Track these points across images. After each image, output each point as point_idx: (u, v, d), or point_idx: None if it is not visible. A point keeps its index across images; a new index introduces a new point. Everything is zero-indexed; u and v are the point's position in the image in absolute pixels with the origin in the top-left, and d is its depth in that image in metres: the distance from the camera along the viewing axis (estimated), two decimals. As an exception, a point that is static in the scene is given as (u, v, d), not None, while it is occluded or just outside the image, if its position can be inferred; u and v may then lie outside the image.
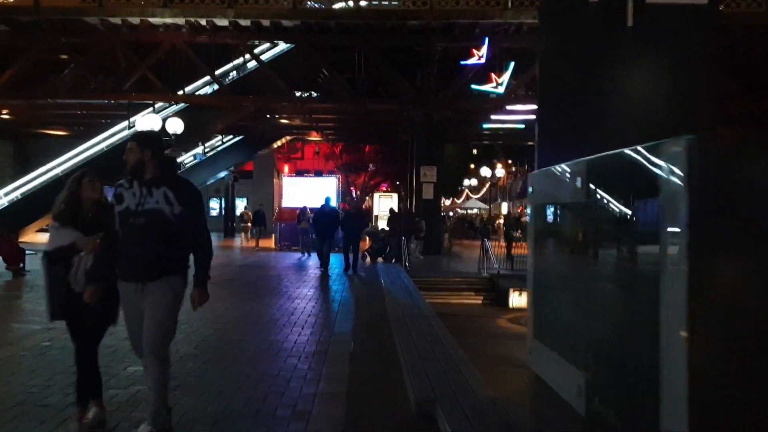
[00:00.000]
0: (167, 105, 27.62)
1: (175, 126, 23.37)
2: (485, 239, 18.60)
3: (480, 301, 16.55)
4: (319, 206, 17.10)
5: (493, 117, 31.88)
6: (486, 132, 38.28)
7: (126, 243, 4.28)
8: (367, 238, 22.70)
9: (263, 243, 25.76)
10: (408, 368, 6.20)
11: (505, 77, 26.53)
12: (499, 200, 57.16)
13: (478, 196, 58.29)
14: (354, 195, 38.85)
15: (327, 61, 26.53)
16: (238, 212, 41.43)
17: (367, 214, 19.23)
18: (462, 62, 25.91)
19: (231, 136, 36.16)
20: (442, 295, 16.34)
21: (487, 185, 53.29)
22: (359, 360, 6.77)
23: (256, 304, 10.47)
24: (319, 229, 16.29)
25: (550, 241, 4.13)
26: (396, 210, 22.58)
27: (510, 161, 58.50)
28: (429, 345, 7.53)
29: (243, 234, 29.24)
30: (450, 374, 6.14)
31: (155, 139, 4.77)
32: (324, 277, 15.09)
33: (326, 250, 16.04)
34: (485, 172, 45.10)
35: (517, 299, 15.68)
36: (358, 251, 16.62)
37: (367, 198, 38.82)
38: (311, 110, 29.46)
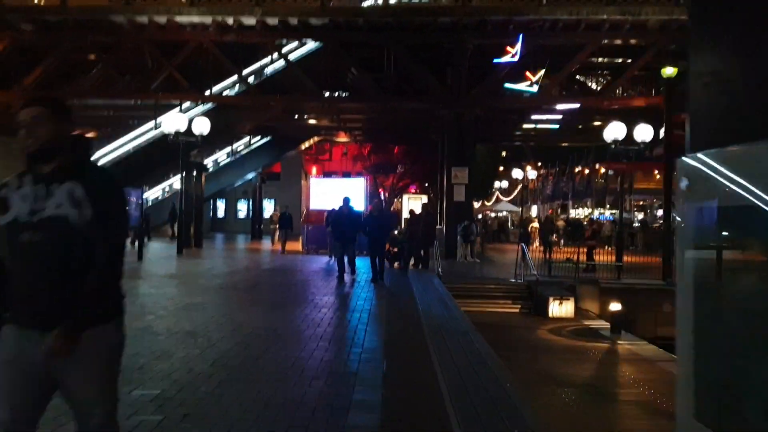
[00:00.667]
0: (194, 105, 27.14)
1: (202, 126, 22.88)
2: (523, 244, 17.70)
3: (517, 310, 15.67)
4: (337, 207, 15.39)
5: (532, 117, 31.02)
6: (518, 133, 37.34)
7: (17, 272, 2.79)
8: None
9: (290, 246, 25.14)
10: (451, 398, 5.41)
11: (540, 76, 25.61)
12: (528, 203, 55.97)
13: (509, 198, 57.18)
14: (382, 196, 38.18)
15: (355, 60, 25.83)
16: (266, 214, 41.05)
17: (393, 216, 17.95)
18: (495, 60, 25.05)
19: (258, 137, 35.71)
20: (477, 303, 15.49)
21: (519, 187, 52.18)
22: (393, 384, 5.99)
23: (280, 313, 9.75)
24: (337, 233, 14.88)
25: (733, 270, 2.08)
26: (418, 211, 21.27)
27: (539, 163, 57.29)
28: (471, 366, 6.72)
29: (271, 237, 28.64)
30: (499, 405, 5.33)
31: (59, 107, 2.98)
32: (348, 285, 13.96)
33: (350, 256, 14.60)
34: (516, 173, 44.02)
35: (557, 308, 14.80)
36: (383, 258, 15.12)
37: (396, 200, 38.01)
38: (339, 110, 28.81)
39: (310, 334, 8.09)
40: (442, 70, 26.05)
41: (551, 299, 14.81)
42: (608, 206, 70.91)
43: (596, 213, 68.38)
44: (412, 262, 18.78)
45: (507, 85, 25.93)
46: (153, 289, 12.55)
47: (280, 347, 7.29)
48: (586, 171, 73.02)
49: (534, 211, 57.31)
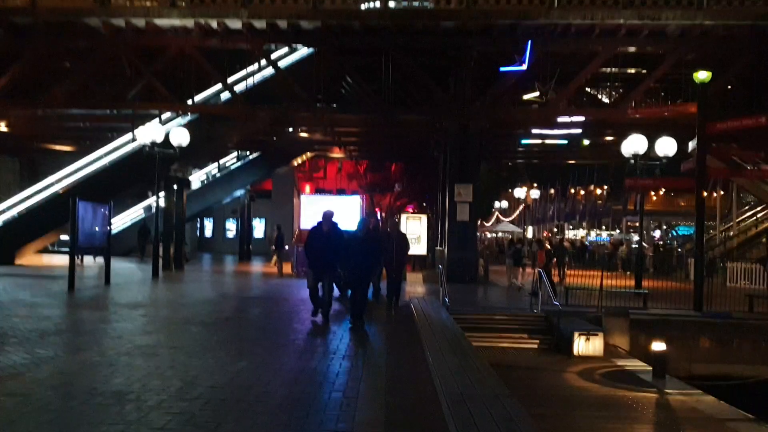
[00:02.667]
0: (175, 116, 25.13)
1: (180, 137, 20.86)
2: (542, 270, 15.61)
3: (535, 346, 13.52)
4: (315, 224, 11.46)
5: (539, 131, 29.13)
6: (521, 149, 35.42)
7: None
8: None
9: (286, 268, 23.08)
10: None
11: (551, 85, 23.73)
12: (531, 223, 54.06)
13: (510, 219, 55.18)
14: (379, 216, 36.13)
15: (351, 68, 23.90)
16: (256, 233, 38.87)
17: (391, 239, 13.63)
18: (501, 68, 23.17)
19: (247, 152, 33.69)
20: (488, 338, 13.38)
21: (521, 207, 50.24)
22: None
23: (248, 363, 7.58)
24: (311, 257, 11.17)
25: None
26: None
27: (534, 184, 55.43)
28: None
29: (272, 258, 26.29)
30: None
31: None
32: (328, 325, 10.82)
33: (326, 287, 11.08)
34: (519, 193, 42.13)
35: (584, 345, 12.65)
36: (366, 290, 11.41)
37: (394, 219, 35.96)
38: (333, 122, 26.78)
39: (281, 399, 5.93)
40: (445, 80, 24.18)
41: (576, 334, 12.67)
42: (604, 227, 69.38)
43: (592, 234, 66.72)
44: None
45: (526, 96, 24.07)
46: (103, 323, 10.41)
47: (237, 423, 5.13)
48: (582, 192, 71.57)
49: (530, 232, 55.31)
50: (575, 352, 12.51)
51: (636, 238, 54.00)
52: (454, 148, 23.36)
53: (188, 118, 25.33)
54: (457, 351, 8.96)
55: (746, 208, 34.88)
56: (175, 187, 24.89)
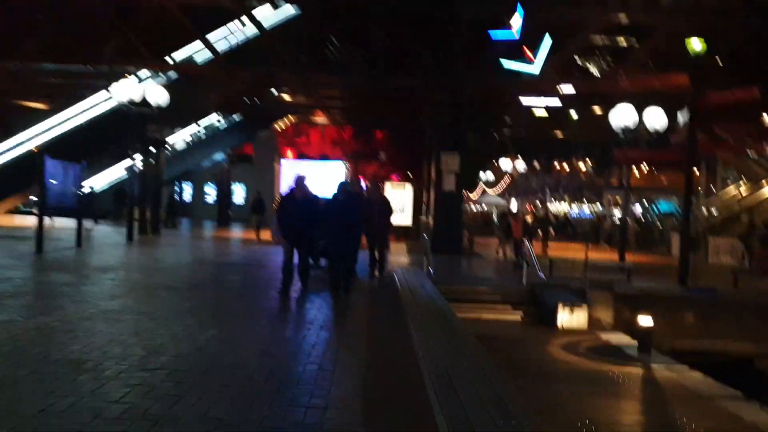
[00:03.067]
0: (154, 74, 24.28)
1: (157, 96, 20.09)
2: (526, 240, 15.30)
3: (519, 318, 13.23)
4: (287, 189, 10.58)
5: (523, 101, 28.55)
6: (510, 120, 34.95)
7: None
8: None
9: (264, 234, 22.53)
10: None
11: (542, 54, 23.14)
12: (518, 196, 53.74)
13: (496, 191, 54.85)
14: (364, 185, 35.49)
15: (337, 31, 23.17)
16: (236, 199, 38.25)
17: (376, 204, 12.53)
18: (492, 34, 22.57)
19: (228, 115, 32.88)
20: (472, 309, 13.03)
21: (507, 179, 49.90)
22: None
23: (219, 330, 7.15)
24: (285, 226, 10.03)
25: None
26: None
27: (520, 156, 55.00)
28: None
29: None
30: None
31: None
32: (306, 293, 10.12)
33: (303, 256, 10.23)
34: (505, 165, 41.73)
35: (568, 318, 12.39)
36: (353, 260, 10.57)
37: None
38: (317, 84, 26.04)
39: (253, 371, 5.52)
40: (434, 47, 23.52)
41: (561, 306, 12.39)
42: (586, 201, 69.36)
43: (574, 208, 66.69)
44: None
45: (506, 63, 23.43)
46: (68, 286, 9.91)
47: (200, 397, 4.71)
48: (566, 166, 71.35)
49: (513, 204, 55.07)
50: (559, 324, 12.24)
51: (617, 212, 54.07)
52: (442, 116, 22.85)
53: (167, 77, 24.50)
54: (442, 323, 8.61)
55: (729, 183, 34.74)
56: (152, 148, 24.14)
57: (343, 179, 10.68)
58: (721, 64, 23.58)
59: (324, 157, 31.35)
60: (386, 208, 13.24)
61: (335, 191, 10.47)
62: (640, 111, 19.85)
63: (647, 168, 59.82)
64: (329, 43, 24.53)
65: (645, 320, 10.64)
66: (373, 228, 12.36)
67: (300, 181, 10.23)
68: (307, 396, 4.82)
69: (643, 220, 38.93)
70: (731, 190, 33.79)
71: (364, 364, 5.99)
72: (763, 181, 30.79)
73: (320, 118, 34.70)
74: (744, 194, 32.22)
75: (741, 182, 33.13)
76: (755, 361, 12.86)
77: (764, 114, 22.76)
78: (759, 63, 22.65)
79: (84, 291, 9.53)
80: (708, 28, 21.35)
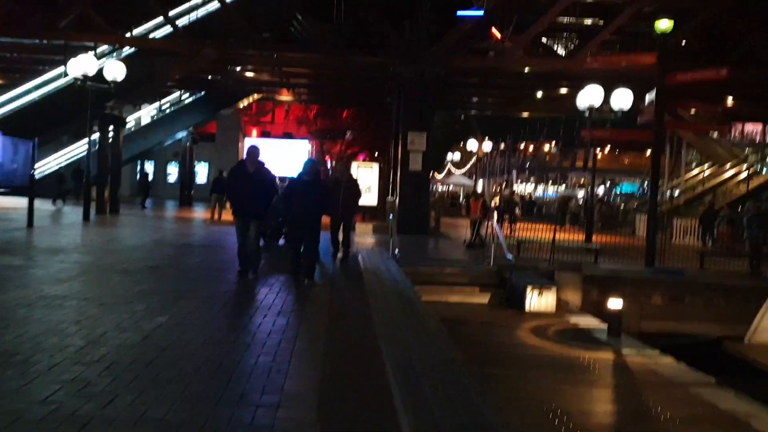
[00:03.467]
0: (111, 49, 23.38)
1: (115, 71, 19.26)
2: (496, 223, 15.01)
3: (487, 301, 12.96)
4: (238, 162, 9.95)
5: (495, 79, 28.24)
6: (476, 100, 34.65)
7: None
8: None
9: (227, 215, 21.93)
10: None
11: (509, 32, 22.84)
12: (487, 177, 53.75)
13: (462, 171, 54.71)
14: (329, 166, 34.97)
15: (302, 6, 22.51)
16: (199, 179, 37.38)
17: (337, 182, 11.77)
18: (458, 12, 22.19)
19: (190, 92, 31.97)
20: (439, 291, 12.74)
21: (474, 159, 49.71)
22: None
23: (169, 317, 6.67)
24: (236, 202, 9.44)
25: None
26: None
27: (486, 137, 54.95)
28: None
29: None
30: None
31: None
32: (258, 278, 9.48)
33: (253, 237, 9.37)
34: (471, 145, 41.48)
35: (536, 300, 12.12)
36: (315, 245, 9.70)
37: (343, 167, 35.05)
38: (282, 61, 25.36)
39: (199, 365, 5.09)
40: (400, 24, 23.02)
41: (529, 289, 12.13)
42: (551, 182, 69.91)
43: (540, 189, 67.16)
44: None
45: (461, 13, 22.76)
46: (11, 269, 9.29)
47: (139, 395, 4.28)
48: (531, 147, 71.64)
49: (480, 185, 55.13)
50: (527, 307, 11.99)
51: (581, 193, 54.50)
52: (409, 94, 22.41)
53: (126, 51, 23.62)
54: (407, 308, 8.26)
55: (693, 165, 35.09)
56: (111, 126, 23.27)
57: (309, 158, 9.87)
58: (686, 44, 23.60)
59: (288, 135, 30.67)
60: (354, 189, 12.84)
61: (301, 170, 9.84)
62: (607, 91, 19.71)
63: (610, 149, 60.37)
64: (293, 19, 23.85)
65: (615, 303, 10.44)
66: (339, 209, 11.87)
67: (252, 151, 9.49)
68: (258, 392, 4.42)
69: (606, 201, 39.08)
70: (694, 171, 34.14)
71: (322, 354, 5.60)
72: (726, 162, 31.13)
73: (285, 97, 33.97)
74: (707, 175, 32.57)
75: (704, 164, 33.48)
76: (723, 343, 12.81)
77: (729, 96, 22.82)
78: (724, 44, 22.70)
79: (29, 274, 8.94)
80: (674, 9, 21.30)
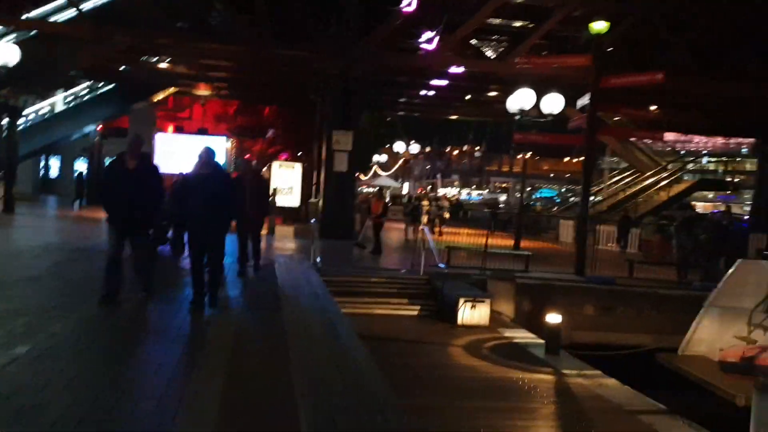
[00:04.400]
0: (6, 31, 21.25)
1: (7, 54, 17.37)
2: (426, 227, 14.17)
3: (416, 313, 12.07)
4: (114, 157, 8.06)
5: (424, 81, 27.54)
6: (405, 101, 33.93)
7: None
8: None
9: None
10: None
11: (439, 32, 22.12)
12: (411, 180, 53.28)
13: (389, 173, 54.00)
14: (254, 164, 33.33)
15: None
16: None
17: (241, 180, 10.05)
18: (391, 7, 21.40)
19: (99, 84, 29.81)
20: (364, 303, 11.78)
21: (401, 162, 49.15)
22: None
23: (32, 347, 5.38)
24: (109, 207, 7.62)
25: None
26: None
27: (413, 141, 54.58)
28: None
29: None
30: None
31: None
32: (149, 298, 7.93)
33: (139, 257, 7.95)
34: (398, 147, 40.90)
35: (469, 313, 11.33)
36: (219, 258, 8.03)
37: (265, 169, 33.47)
38: (199, 53, 23.78)
39: (54, 418, 3.88)
40: (326, 17, 21.96)
41: (462, 301, 11.32)
42: (475, 187, 70.48)
43: (464, 192, 67.56)
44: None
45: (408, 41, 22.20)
46: None
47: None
48: (456, 151, 72.09)
49: (406, 188, 54.81)
50: (460, 320, 11.18)
51: (503, 197, 54.94)
52: (335, 92, 21.41)
53: (23, 35, 21.51)
54: (327, 329, 7.19)
55: (616, 172, 35.60)
56: (4, 116, 21.16)
57: (206, 148, 7.71)
58: (612, 51, 23.57)
59: (203, 131, 28.94)
60: (260, 187, 11.30)
61: (196, 163, 8.01)
62: (538, 95, 19.30)
63: (531, 155, 61.30)
64: (213, 8, 22.39)
65: (553, 318, 9.75)
66: (245, 212, 10.03)
67: (133, 142, 7.81)
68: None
69: (529, 206, 39.30)
70: (617, 177, 34.63)
71: (220, 399, 4.48)
72: (648, 169, 31.61)
73: (203, 91, 32.22)
74: (628, 182, 33.04)
75: (626, 170, 33.98)
76: (656, 354, 12.37)
77: (656, 104, 22.92)
78: (652, 50, 22.76)
79: None
80: (602, 14, 21.17)
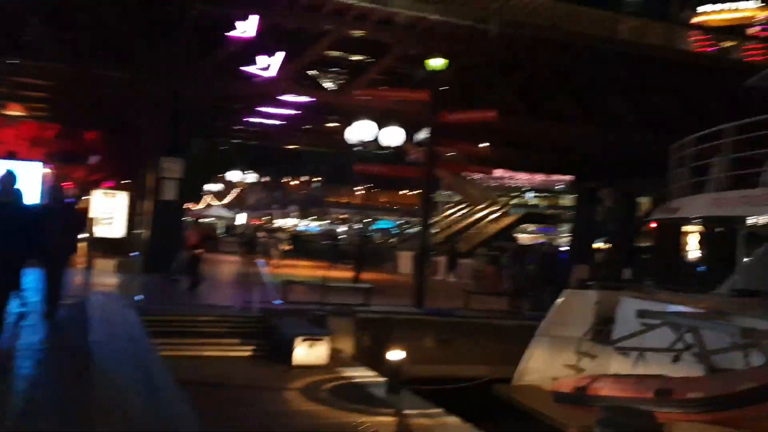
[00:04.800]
0: None
1: None
2: (261, 261, 13.40)
3: (249, 354, 11.21)
4: None
5: (260, 109, 26.80)
6: (240, 128, 32.93)
7: None
8: None
9: None
10: None
11: (278, 59, 21.66)
12: (233, 211, 51.73)
13: (223, 202, 52.16)
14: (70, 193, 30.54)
15: (40, 14, 19.25)
16: None
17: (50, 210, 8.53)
18: (227, 34, 20.67)
19: None
20: (191, 345, 10.78)
21: (236, 191, 47.63)
22: None
23: None
24: None
25: None
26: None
27: (245, 172, 53.37)
28: None
29: None
30: None
31: None
32: None
33: None
34: (236, 176, 39.63)
35: (306, 353, 10.69)
36: (5, 293, 6.75)
37: (84, 198, 30.81)
38: (10, 69, 21.44)
39: None
40: (155, 38, 20.69)
41: (298, 340, 10.67)
42: (315, 217, 70.45)
43: (302, 224, 67.17)
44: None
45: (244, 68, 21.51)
46: None
47: None
48: (295, 181, 71.75)
49: (242, 218, 53.36)
50: (296, 361, 10.50)
51: (342, 228, 55.21)
52: (164, 116, 20.13)
53: None
54: (142, 379, 6.23)
55: (450, 205, 36.89)
56: None
57: (7, 171, 6.40)
58: (450, 88, 24.43)
59: (11, 154, 26.02)
60: (72, 220, 9.70)
61: None
62: (377, 126, 19.37)
63: (369, 188, 62.41)
64: (28, 25, 20.34)
65: (396, 355, 9.40)
66: (55, 245, 8.72)
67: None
68: None
69: (367, 237, 39.62)
70: (450, 210, 35.93)
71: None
72: (480, 203, 33.06)
73: (16, 112, 29.19)
74: (460, 215, 34.41)
75: (459, 204, 35.37)
76: (492, 386, 12.45)
77: (485, 141, 23.94)
78: (483, 91, 23.84)
79: None
80: (439, 53, 21.87)
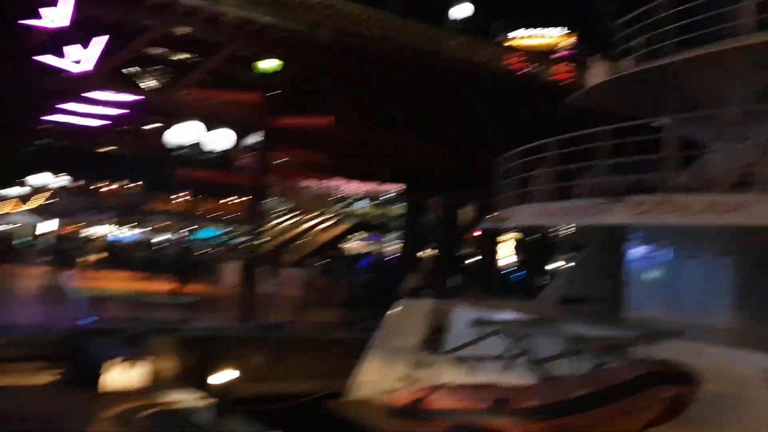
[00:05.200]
0: None
1: None
2: (66, 275, 11.90)
3: (52, 380, 9.80)
4: None
5: (62, 107, 24.30)
6: (46, 128, 29.80)
7: None
8: None
9: None
10: None
11: (93, 53, 19.84)
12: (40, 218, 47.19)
13: (27, 208, 47.16)
14: None
15: None
16: None
17: None
18: (23, 21, 18.60)
19: None
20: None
21: (43, 196, 43.30)
22: None
23: None
24: None
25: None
26: None
27: (63, 173, 48.96)
28: None
29: None
30: None
31: None
32: None
33: None
34: (45, 179, 35.94)
35: (120, 376, 9.56)
36: None
37: None
38: None
39: None
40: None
41: (111, 362, 9.51)
42: (133, 225, 66.21)
43: (119, 231, 62.80)
44: None
45: (45, 58, 19.42)
46: None
47: None
48: (113, 185, 67.13)
49: (50, 225, 48.65)
50: (108, 386, 9.35)
51: (162, 237, 52.26)
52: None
53: None
54: None
55: (280, 212, 36.19)
56: None
57: None
58: (282, 92, 23.88)
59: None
60: None
61: None
62: (203, 129, 18.34)
63: (191, 194, 59.71)
64: None
65: (221, 377, 8.65)
66: None
67: None
68: None
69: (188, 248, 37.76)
70: (280, 218, 35.21)
71: None
72: (312, 211, 32.71)
73: None
74: (291, 223, 33.82)
75: (290, 212, 34.78)
76: (322, 402, 11.96)
77: (319, 149, 23.64)
78: (316, 97, 23.57)
79: None
80: (271, 56, 21.26)
